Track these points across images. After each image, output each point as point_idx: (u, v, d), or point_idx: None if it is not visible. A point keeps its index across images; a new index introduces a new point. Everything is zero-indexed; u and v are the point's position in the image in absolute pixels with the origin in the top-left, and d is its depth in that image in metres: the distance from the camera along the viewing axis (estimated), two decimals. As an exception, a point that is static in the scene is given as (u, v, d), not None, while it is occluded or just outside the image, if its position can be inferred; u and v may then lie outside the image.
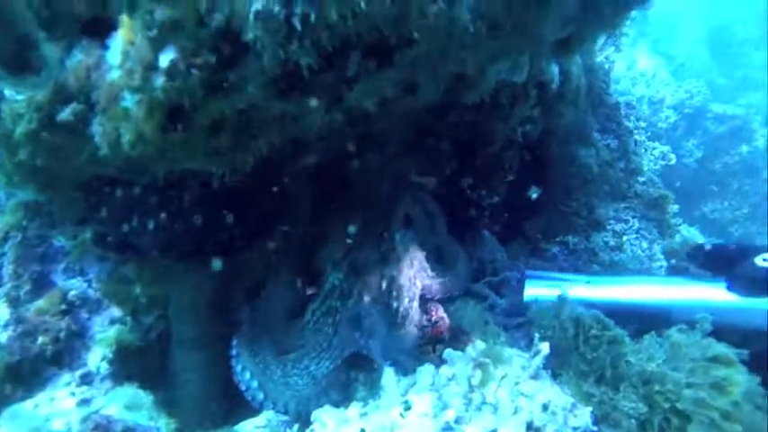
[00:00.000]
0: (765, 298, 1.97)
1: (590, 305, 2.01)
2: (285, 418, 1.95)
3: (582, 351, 1.69)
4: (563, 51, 2.28)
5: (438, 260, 2.59)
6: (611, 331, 1.71)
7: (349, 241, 2.39)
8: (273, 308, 2.15)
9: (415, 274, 2.38)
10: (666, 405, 1.44)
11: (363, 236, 2.41)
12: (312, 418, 1.79)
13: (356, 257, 2.34)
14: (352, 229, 2.39)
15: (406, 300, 2.31)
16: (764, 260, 1.99)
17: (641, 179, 4.62)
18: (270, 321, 2.12)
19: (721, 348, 1.54)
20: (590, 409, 1.56)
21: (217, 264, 1.83)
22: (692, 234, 5.42)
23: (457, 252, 2.80)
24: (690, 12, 12.16)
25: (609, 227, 4.22)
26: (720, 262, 2.29)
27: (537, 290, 2.32)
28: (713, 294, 2.13)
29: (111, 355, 1.84)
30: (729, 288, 2.05)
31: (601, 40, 2.95)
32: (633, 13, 2.16)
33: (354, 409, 1.73)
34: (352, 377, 2.29)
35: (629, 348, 1.63)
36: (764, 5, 10.69)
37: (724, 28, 11.63)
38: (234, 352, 1.88)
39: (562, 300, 1.89)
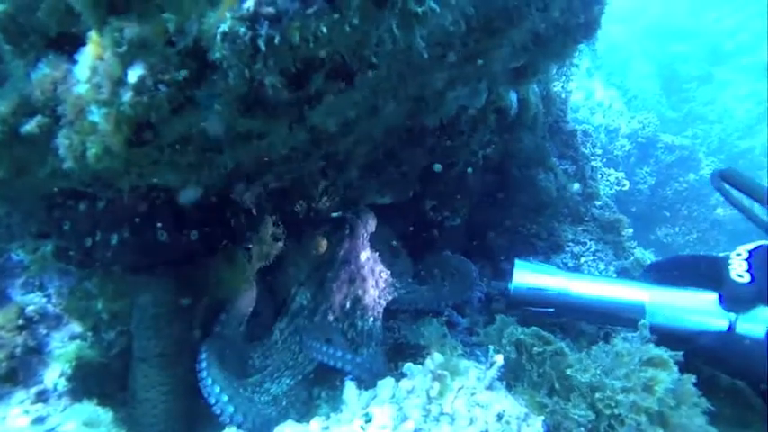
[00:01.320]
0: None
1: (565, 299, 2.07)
2: None
3: (529, 369, 1.77)
4: (519, 80, 2.42)
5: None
6: (553, 345, 1.79)
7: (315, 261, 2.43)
8: (239, 323, 2.16)
9: (380, 294, 2.44)
10: (608, 412, 1.52)
11: (329, 257, 2.46)
12: (274, 433, 1.79)
13: (323, 277, 2.39)
14: (318, 250, 2.44)
15: (371, 319, 2.35)
16: (739, 276, 2.06)
17: (598, 203, 4.83)
18: (236, 337, 2.13)
19: (656, 351, 1.64)
20: (542, 418, 1.63)
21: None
22: (646, 256, 5.64)
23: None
24: (640, 48, 12.91)
25: (568, 249, 4.33)
26: (673, 274, 2.39)
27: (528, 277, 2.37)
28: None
29: (69, 372, 1.81)
30: (722, 304, 2.08)
31: (553, 71, 3.11)
32: (585, 47, 2.32)
33: (316, 422, 1.75)
34: (314, 394, 2.30)
35: (572, 359, 1.71)
36: (707, 43, 11.50)
37: (672, 65, 12.40)
38: (203, 364, 1.88)
39: (503, 322, 1.97)
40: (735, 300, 2.03)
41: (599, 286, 2.30)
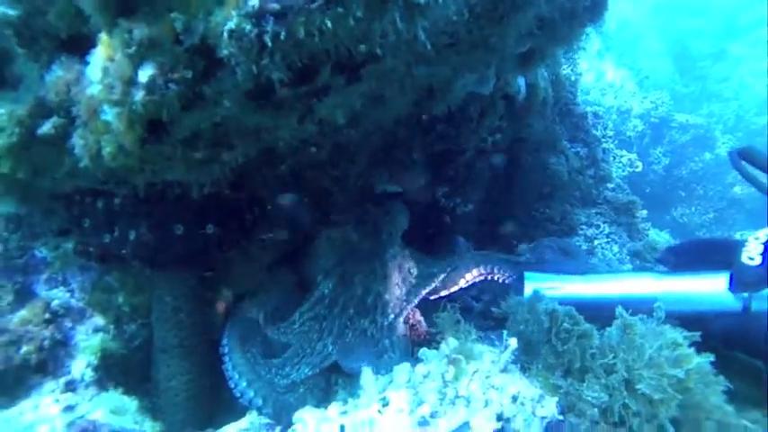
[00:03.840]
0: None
1: (578, 301, 2.08)
2: (268, 420, 2.00)
3: (554, 343, 1.77)
4: (527, 65, 2.40)
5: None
6: (581, 326, 1.80)
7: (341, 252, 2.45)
8: (263, 307, 2.20)
9: (408, 290, 2.42)
10: (626, 393, 1.54)
11: (355, 249, 2.48)
12: (294, 419, 1.84)
13: (346, 270, 2.40)
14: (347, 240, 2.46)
15: (392, 315, 2.35)
16: (751, 258, 2.04)
17: (611, 185, 4.79)
18: (257, 321, 2.17)
19: (672, 333, 1.65)
20: (556, 399, 1.65)
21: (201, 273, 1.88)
22: (662, 238, 5.59)
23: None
24: (651, 26, 12.65)
25: (581, 232, 4.31)
26: (690, 258, 2.37)
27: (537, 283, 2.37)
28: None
29: (95, 363, 1.88)
30: (730, 286, 2.06)
31: (561, 54, 3.09)
32: (594, 29, 2.30)
33: (335, 407, 1.78)
34: (332, 381, 2.34)
35: (596, 342, 1.72)
36: (720, 18, 11.23)
37: (684, 42, 12.15)
38: (225, 349, 1.92)
39: (536, 294, 1.98)
40: (743, 282, 2.01)
41: (611, 285, 2.29)
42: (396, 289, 2.39)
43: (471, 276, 2.52)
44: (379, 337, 2.24)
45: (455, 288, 2.50)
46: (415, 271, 2.50)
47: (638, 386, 1.54)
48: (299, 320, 2.27)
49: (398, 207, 2.66)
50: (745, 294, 2.02)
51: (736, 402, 1.64)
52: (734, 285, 2.03)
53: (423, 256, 2.59)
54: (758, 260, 1.99)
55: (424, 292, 2.41)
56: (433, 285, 2.43)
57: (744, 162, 2.37)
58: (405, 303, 2.39)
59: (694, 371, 1.55)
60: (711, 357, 1.61)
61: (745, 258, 2.01)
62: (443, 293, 2.48)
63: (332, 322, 2.27)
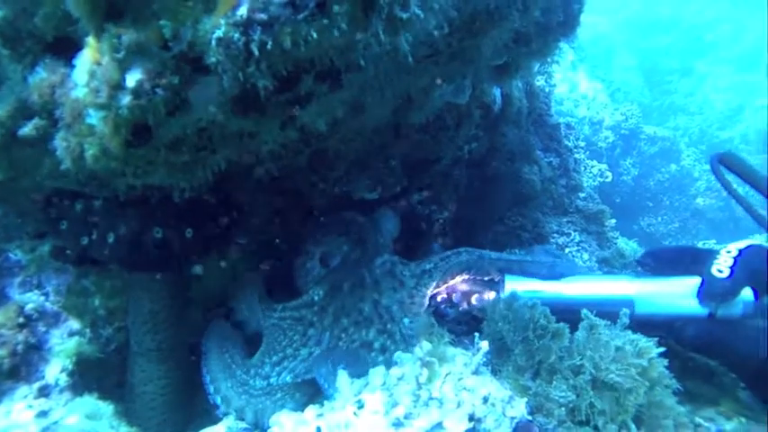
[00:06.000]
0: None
1: (555, 302, 2.14)
2: (245, 425, 2.01)
3: (531, 338, 1.83)
4: (502, 77, 2.49)
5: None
6: (555, 325, 1.87)
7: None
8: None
9: (409, 294, 2.40)
10: (592, 391, 1.62)
11: (343, 260, 2.45)
12: (270, 423, 1.86)
13: (336, 278, 2.36)
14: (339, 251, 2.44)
15: (406, 319, 2.31)
16: (720, 271, 2.08)
17: (582, 195, 4.93)
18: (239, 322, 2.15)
19: (635, 337, 1.73)
20: (525, 399, 1.71)
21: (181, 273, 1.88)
22: (630, 246, 5.76)
23: None
24: (623, 41, 13.10)
25: (552, 240, 4.41)
26: (668, 262, 2.44)
27: (516, 284, 2.42)
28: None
29: (70, 367, 1.86)
30: (698, 296, 2.12)
31: (536, 66, 3.19)
32: (567, 44, 2.40)
33: (311, 410, 1.81)
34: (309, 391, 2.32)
35: (566, 343, 1.79)
36: (688, 35, 11.70)
37: (654, 57, 12.63)
38: (203, 358, 1.91)
39: (514, 295, 2.04)
40: (710, 293, 2.08)
41: (589, 285, 2.35)
42: (393, 293, 2.34)
43: (459, 279, 2.53)
44: (394, 348, 2.11)
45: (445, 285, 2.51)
46: (407, 272, 2.47)
47: (607, 378, 1.61)
48: (279, 312, 2.23)
49: (386, 215, 2.67)
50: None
51: (691, 402, 1.73)
52: (701, 296, 2.10)
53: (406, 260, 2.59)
54: (726, 273, 2.06)
55: (432, 286, 2.39)
56: (435, 282, 2.41)
57: (722, 167, 2.43)
58: (413, 307, 2.34)
59: (656, 359, 1.63)
60: (665, 362, 1.69)
61: (714, 270, 2.08)
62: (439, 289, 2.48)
63: (321, 332, 2.22)
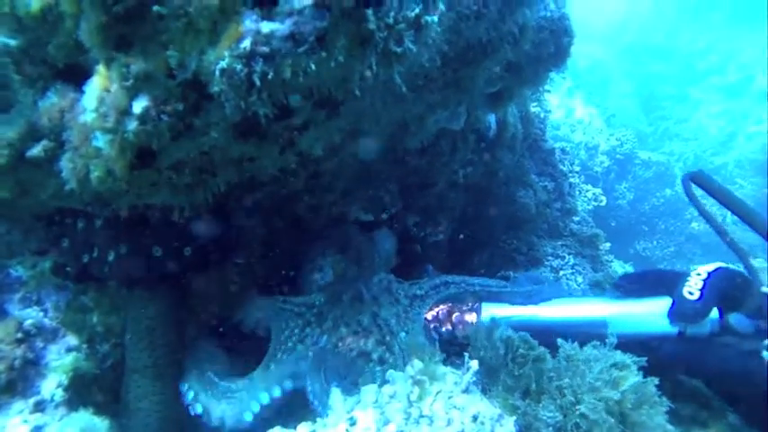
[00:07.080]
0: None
1: (531, 325, 2.20)
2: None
3: (510, 368, 1.88)
4: (497, 103, 2.57)
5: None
6: (536, 351, 1.91)
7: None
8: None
9: (404, 310, 2.47)
10: (577, 412, 1.65)
11: (341, 275, 2.53)
12: (264, 440, 1.88)
13: (337, 289, 2.43)
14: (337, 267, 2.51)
15: (402, 333, 2.36)
16: (690, 293, 2.16)
17: (576, 219, 4.99)
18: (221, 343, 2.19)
19: (621, 357, 1.78)
20: (514, 418, 1.74)
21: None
22: (626, 270, 5.80)
23: None
24: (620, 68, 13.35)
25: (547, 263, 4.45)
26: (641, 285, 2.50)
27: (493, 309, 2.48)
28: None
29: (66, 383, 1.88)
30: (669, 316, 2.20)
31: (530, 94, 3.28)
32: (558, 73, 2.48)
33: (304, 427, 1.84)
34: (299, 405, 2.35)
35: (550, 365, 1.83)
36: (682, 63, 11.95)
37: (649, 84, 12.86)
38: (185, 381, 1.94)
39: (494, 322, 2.08)
40: (680, 314, 2.15)
41: (563, 308, 2.41)
42: (391, 307, 2.41)
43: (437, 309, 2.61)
44: (393, 361, 2.18)
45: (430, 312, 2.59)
46: (401, 291, 2.53)
47: (580, 408, 1.66)
48: (280, 302, 2.29)
49: (384, 234, 2.73)
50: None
51: (682, 423, 1.76)
52: (672, 317, 2.17)
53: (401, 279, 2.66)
54: (696, 295, 2.13)
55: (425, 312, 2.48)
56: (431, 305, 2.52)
57: (694, 185, 2.51)
58: (408, 323, 2.40)
59: (629, 391, 1.67)
60: (656, 381, 1.73)
61: (685, 292, 2.15)
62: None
63: (319, 335, 2.27)
